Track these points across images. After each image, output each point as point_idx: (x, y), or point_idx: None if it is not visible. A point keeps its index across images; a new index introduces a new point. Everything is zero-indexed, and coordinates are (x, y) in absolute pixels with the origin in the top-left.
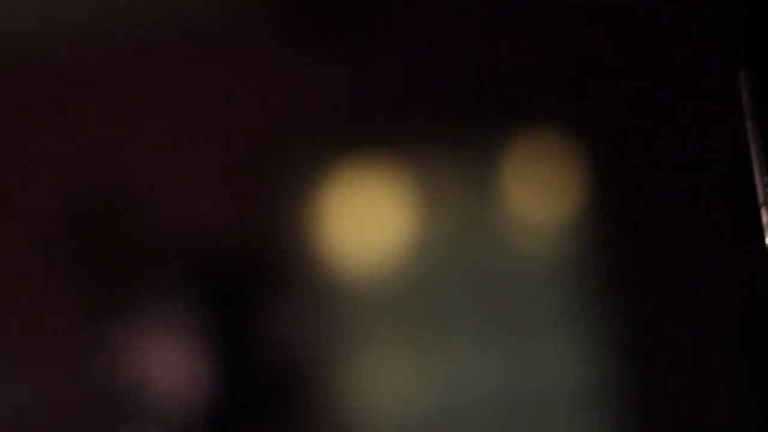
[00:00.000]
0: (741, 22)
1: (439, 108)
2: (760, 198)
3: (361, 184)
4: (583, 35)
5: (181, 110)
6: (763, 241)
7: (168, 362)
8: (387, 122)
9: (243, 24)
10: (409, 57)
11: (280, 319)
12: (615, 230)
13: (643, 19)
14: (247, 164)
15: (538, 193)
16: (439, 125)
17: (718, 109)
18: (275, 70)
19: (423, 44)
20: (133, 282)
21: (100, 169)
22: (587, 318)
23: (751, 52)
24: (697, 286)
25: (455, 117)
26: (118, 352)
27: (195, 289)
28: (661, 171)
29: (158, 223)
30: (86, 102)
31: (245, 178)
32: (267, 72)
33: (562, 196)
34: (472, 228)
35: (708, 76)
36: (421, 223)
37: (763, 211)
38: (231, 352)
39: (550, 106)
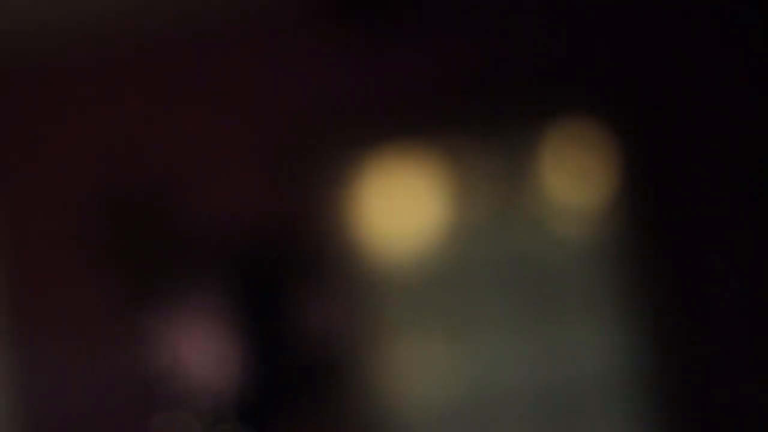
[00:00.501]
0: None
1: (474, 97)
2: None
3: (395, 172)
4: (616, 25)
5: (217, 99)
6: None
7: (202, 349)
8: (421, 111)
9: (279, 12)
10: (443, 46)
11: (314, 307)
12: (650, 219)
13: (676, 8)
14: (281, 153)
15: (572, 181)
16: (473, 114)
17: (751, 95)
18: (310, 58)
19: (457, 33)
20: (168, 270)
21: (136, 158)
22: (623, 305)
23: None
24: (733, 273)
25: (490, 105)
26: (153, 339)
27: (229, 277)
28: (695, 159)
29: (193, 211)
30: (123, 92)
31: (279, 166)
32: (301, 61)
33: (595, 184)
34: (506, 216)
35: (741, 64)
36: (455, 211)
37: None
38: (265, 340)
39: (583, 94)
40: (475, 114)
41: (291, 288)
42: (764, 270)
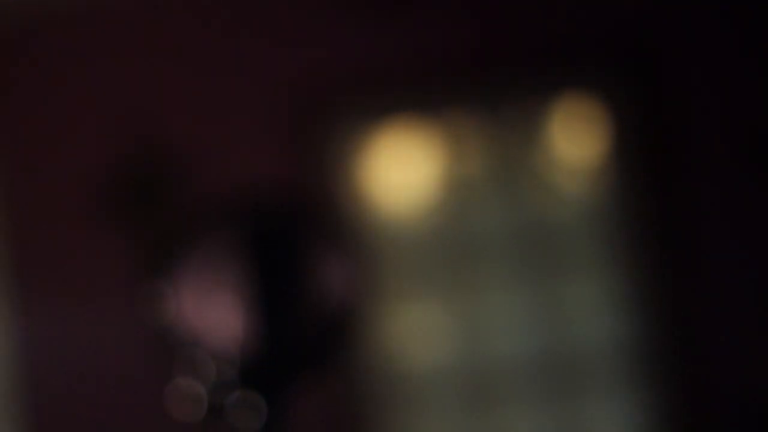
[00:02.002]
0: None
1: (477, 71)
2: None
3: (402, 141)
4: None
5: (230, 67)
6: None
7: (212, 316)
8: (427, 83)
9: None
10: (451, 21)
11: (325, 273)
12: (655, 186)
13: None
14: (293, 121)
15: (577, 147)
16: (475, 87)
17: (757, 61)
18: (322, 29)
19: (466, 9)
20: (179, 235)
21: (153, 123)
22: (628, 271)
23: None
24: (737, 237)
25: (496, 76)
26: (162, 306)
27: (240, 243)
28: (699, 121)
29: (208, 176)
30: (138, 56)
31: (290, 133)
32: (314, 31)
33: (599, 150)
34: (512, 181)
35: (744, 31)
36: (461, 177)
37: None
38: (274, 306)
39: (586, 63)
40: (481, 84)
41: (303, 255)
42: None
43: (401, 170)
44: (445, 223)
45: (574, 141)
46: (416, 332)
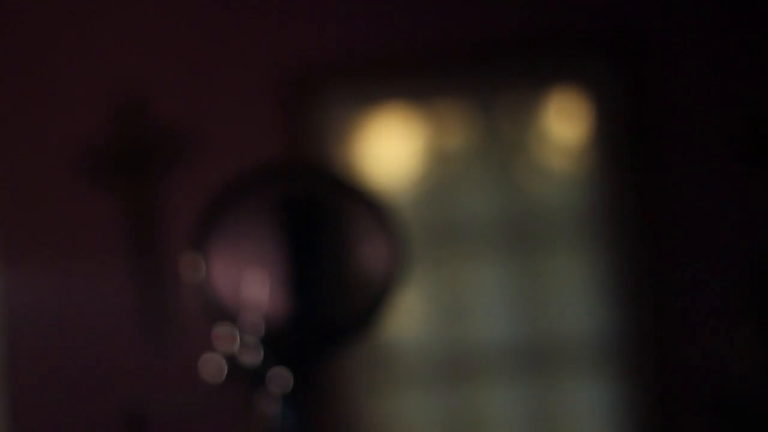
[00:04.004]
0: None
1: (467, 60)
2: None
3: (393, 126)
4: None
5: (226, 47)
6: None
7: (247, 288)
8: (419, 71)
9: None
10: (443, 11)
11: (365, 249)
12: (636, 168)
13: None
14: (287, 102)
15: (562, 133)
16: (464, 76)
17: (738, 51)
18: (318, 15)
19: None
20: (214, 205)
21: (146, 91)
22: (606, 252)
23: None
24: (716, 220)
25: (483, 68)
26: (199, 277)
27: (277, 212)
28: (681, 109)
29: (200, 149)
30: (135, 23)
31: (284, 115)
32: (310, 17)
33: (582, 138)
34: (496, 166)
35: (731, 23)
36: (446, 161)
37: None
38: (313, 279)
39: (573, 58)
40: (471, 73)
41: (341, 230)
42: (750, 221)
43: (390, 153)
44: (431, 206)
45: (561, 128)
46: (400, 309)
